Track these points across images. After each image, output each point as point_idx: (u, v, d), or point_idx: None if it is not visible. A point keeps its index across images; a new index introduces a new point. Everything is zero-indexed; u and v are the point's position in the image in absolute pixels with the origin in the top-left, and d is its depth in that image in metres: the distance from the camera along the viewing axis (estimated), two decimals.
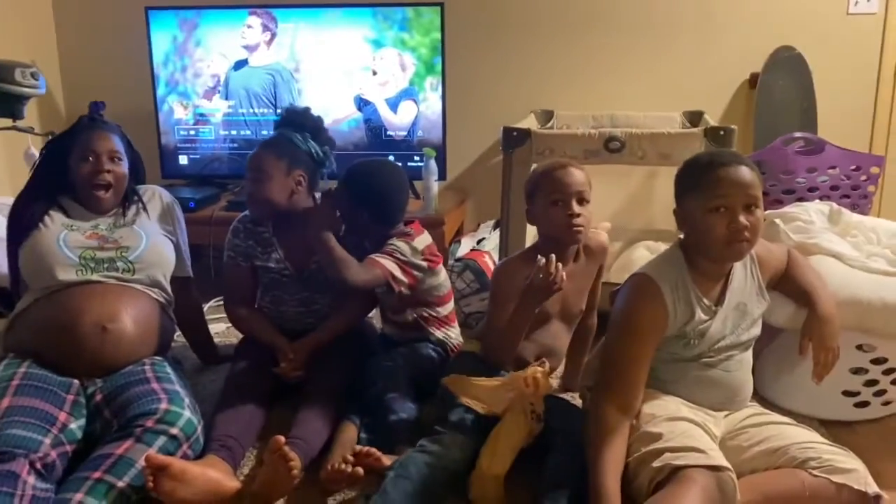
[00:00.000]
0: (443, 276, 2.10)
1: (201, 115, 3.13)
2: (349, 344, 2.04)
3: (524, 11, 3.20)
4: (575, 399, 1.93)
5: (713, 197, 1.47)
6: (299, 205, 2.08)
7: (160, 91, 3.12)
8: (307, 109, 2.16)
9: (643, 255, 2.63)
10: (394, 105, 3.04)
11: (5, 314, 2.02)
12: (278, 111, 3.06)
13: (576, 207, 1.72)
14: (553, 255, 1.65)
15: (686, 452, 1.40)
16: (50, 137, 2.11)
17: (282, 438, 1.54)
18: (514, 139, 2.35)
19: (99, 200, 1.97)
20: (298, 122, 2.10)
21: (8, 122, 2.31)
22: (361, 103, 3.05)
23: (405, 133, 3.05)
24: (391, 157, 3.03)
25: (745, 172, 1.48)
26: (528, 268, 1.70)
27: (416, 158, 3.02)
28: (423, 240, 2.05)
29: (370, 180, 2.00)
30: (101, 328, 1.75)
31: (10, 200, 2.28)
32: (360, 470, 1.58)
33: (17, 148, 2.72)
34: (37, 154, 2.48)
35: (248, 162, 2.05)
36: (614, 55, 3.21)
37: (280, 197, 2.03)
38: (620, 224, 2.78)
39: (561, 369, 2.06)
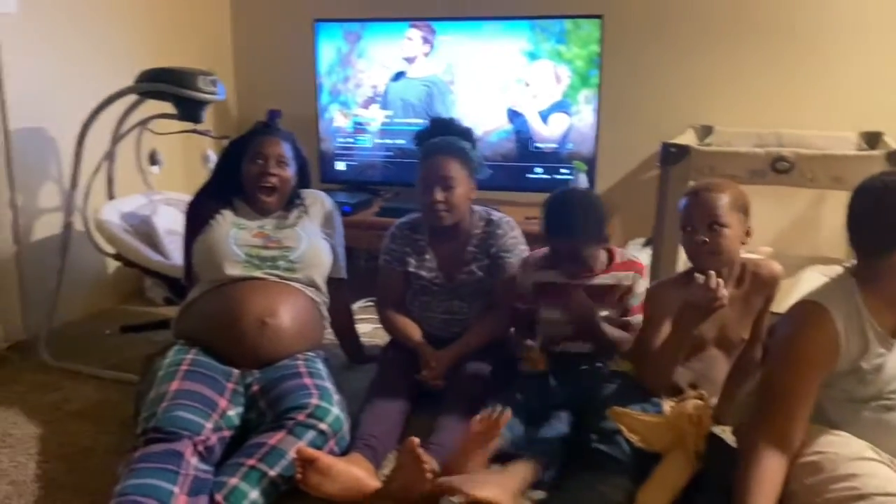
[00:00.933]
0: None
1: (359, 123, 3.24)
2: (492, 356, 2.03)
3: (686, 21, 3.07)
4: (725, 432, 1.82)
5: None
6: (463, 215, 2.10)
7: (323, 100, 3.26)
8: (455, 119, 2.15)
9: (811, 281, 2.44)
10: (545, 117, 3.01)
11: (177, 303, 2.18)
12: None
13: (703, 235, 1.70)
14: (713, 272, 1.60)
15: None
16: (225, 141, 2.26)
17: (416, 440, 1.55)
18: (672, 155, 2.26)
19: (264, 203, 2.09)
20: (459, 132, 2.11)
21: (189, 125, 2.48)
22: (512, 115, 3.05)
23: (555, 145, 3.01)
24: (538, 170, 3.02)
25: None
26: (684, 290, 1.64)
27: (564, 171, 2.99)
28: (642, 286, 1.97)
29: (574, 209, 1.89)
30: (262, 322, 1.83)
31: (186, 197, 2.47)
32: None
33: (195, 150, 2.93)
34: (212, 156, 2.67)
35: (428, 169, 2.04)
36: (781, 67, 3.00)
37: (464, 204, 2.05)
38: (782, 249, 2.60)
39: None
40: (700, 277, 1.61)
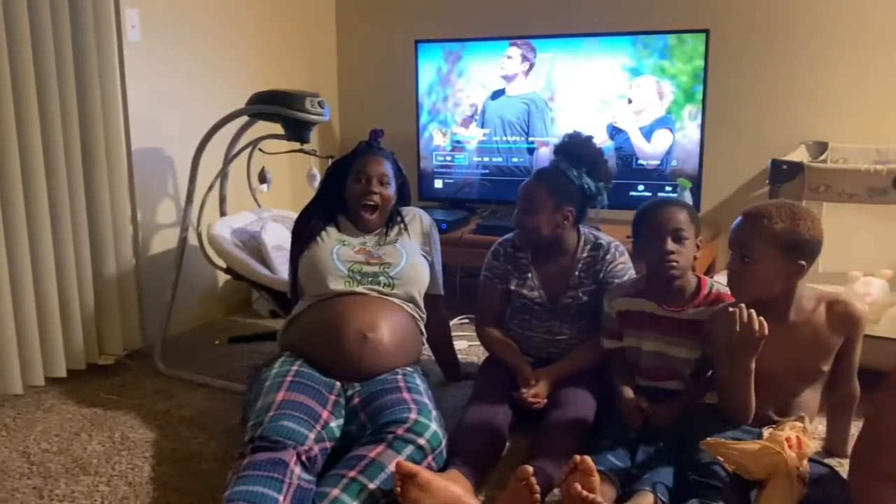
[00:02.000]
0: None
1: (458, 142, 3.27)
2: (595, 380, 1.99)
3: (796, 33, 2.95)
4: (842, 466, 1.73)
5: None
6: (563, 237, 2.09)
7: (423, 119, 3.31)
8: (589, 140, 2.12)
9: None
10: (648, 133, 2.96)
11: (283, 316, 2.26)
12: (530, 139, 3.13)
13: (732, 263, 1.68)
14: (742, 306, 1.60)
15: None
16: (330, 160, 2.33)
17: (530, 469, 1.53)
18: (783, 173, 2.17)
19: (367, 220, 2.14)
20: (577, 154, 2.09)
21: (296, 145, 2.55)
22: (613, 131, 3.01)
23: (658, 162, 2.96)
24: (640, 187, 2.97)
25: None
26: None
27: (668, 189, 2.93)
28: None
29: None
30: (363, 336, 1.87)
31: (292, 214, 2.55)
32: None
33: (300, 169, 3.04)
34: (318, 175, 2.76)
35: (520, 190, 2.09)
36: None
37: (546, 229, 2.06)
38: None
39: (821, 430, 1.91)
40: (734, 313, 1.59)
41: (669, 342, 1.89)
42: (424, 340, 2.14)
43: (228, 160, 2.71)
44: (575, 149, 2.09)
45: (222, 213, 2.85)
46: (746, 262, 1.65)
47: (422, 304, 2.11)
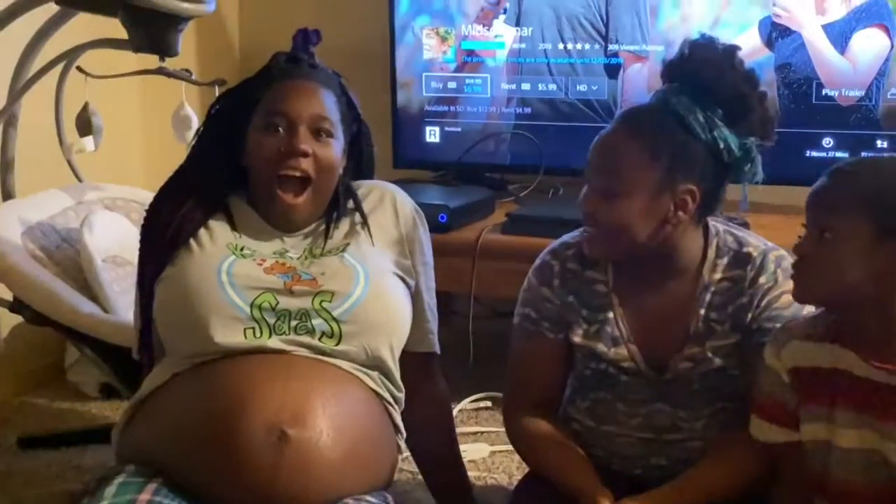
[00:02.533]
0: None
1: (470, 52, 3.27)
2: None
3: None
4: None
5: None
6: (675, 242, 2.07)
7: (401, 9, 3.30)
8: (730, 52, 2.08)
9: None
10: (840, 36, 3.05)
11: (125, 396, 2.22)
12: (619, 49, 3.22)
13: None
14: None
15: None
16: (217, 90, 2.31)
17: None
18: None
19: (287, 209, 2.10)
20: (706, 81, 2.06)
21: (151, 61, 2.55)
22: (774, 32, 3.10)
23: (860, 93, 3.01)
24: (827, 141, 3.15)
25: None
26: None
27: (881, 144, 3.11)
28: None
29: None
30: (279, 435, 1.80)
31: (146, 194, 2.52)
32: None
33: (163, 107, 3.02)
34: (194, 118, 2.73)
35: (594, 148, 2.04)
36: None
37: (642, 226, 2.01)
38: None
39: None
40: None
41: (888, 432, 1.87)
42: (402, 444, 2.14)
43: (18, 92, 2.73)
44: (704, 71, 2.07)
45: (6, 194, 2.90)
46: None
47: (396, 373, 2.09)
